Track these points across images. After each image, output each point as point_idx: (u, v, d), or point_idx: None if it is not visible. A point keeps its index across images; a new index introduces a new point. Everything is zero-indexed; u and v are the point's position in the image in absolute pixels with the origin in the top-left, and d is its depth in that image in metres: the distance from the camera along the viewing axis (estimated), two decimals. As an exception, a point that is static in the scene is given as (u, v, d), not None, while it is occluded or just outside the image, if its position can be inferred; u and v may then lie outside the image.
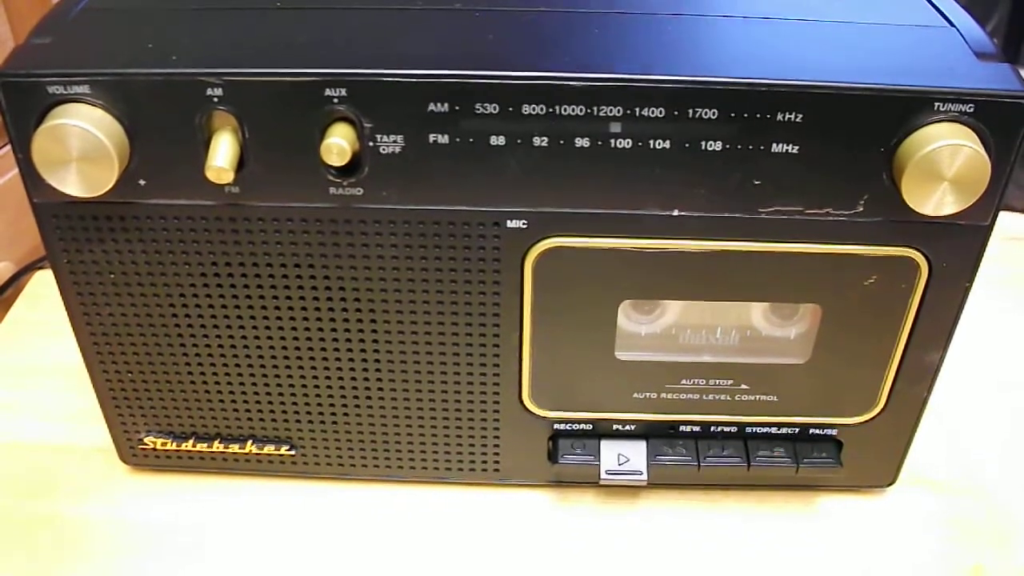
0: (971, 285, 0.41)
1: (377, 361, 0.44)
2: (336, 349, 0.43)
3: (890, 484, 0.49)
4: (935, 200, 0.36)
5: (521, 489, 0.50)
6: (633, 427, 0.47)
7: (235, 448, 0.48)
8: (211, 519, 0.48)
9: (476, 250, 0.40)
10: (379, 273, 0.41)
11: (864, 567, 0.47)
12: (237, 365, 0.44)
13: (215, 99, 0.36)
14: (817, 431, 0.47)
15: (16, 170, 0.38)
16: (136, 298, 0.42)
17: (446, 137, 0.37)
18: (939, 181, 0.36)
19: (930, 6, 0.42)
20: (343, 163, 0.36)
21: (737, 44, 0.39)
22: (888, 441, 0.47)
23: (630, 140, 0.37)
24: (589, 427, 0.47)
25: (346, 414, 0.46)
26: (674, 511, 0.49)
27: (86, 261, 0.41)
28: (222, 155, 0.36)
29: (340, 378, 0.45)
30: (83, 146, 0.35)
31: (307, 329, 0.43)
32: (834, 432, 0.47)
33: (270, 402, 0.46)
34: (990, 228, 0.39)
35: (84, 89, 0.35)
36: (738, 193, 0.38)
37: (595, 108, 0.36)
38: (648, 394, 0.45)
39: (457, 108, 0.36)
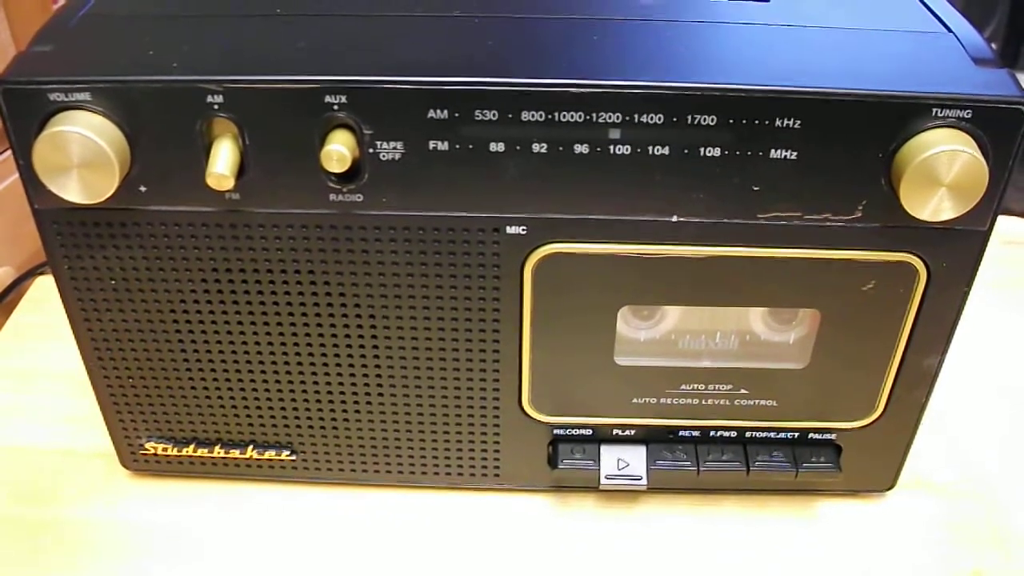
0: (970, 289, 0.41)
1: (377, 367, 0.44)
2: (336, 355, 0.44)
3: (889, 488, 0.49)
4: (933, 205, 0.36)
5: (521, 494, 0.50)
6: (633, 432, 0.47)
7: (236, 453, 0.48)
8: (212, 524, 0.48)
9: (476, 256, 0.40)
10: (379, 279, 0.41)
11: (863, 571, 0.47)
12: (238, 371, 0.44)
13: (216, 106, 0.36)
14: (816, 436, 0.47)
15: (17, 175, 0.38)
16: (137, 304, 0.42)
17: (446, 144, 0.37)
18: (937, 186, 0.36)
19: (928, 11, 0.42)
20: (343, 170, 0.36)
21: (736, 50, 0.39)
22: (887, 445, 0.47)
23: (629, 146, 0.37)
24: (589, 432, 0.47)
25: (346, 419, 0.46)
26: (674, 516, 0.49)
27: (87, 267, 0.41)
28: (222, 162, 0.36)
29: (340, 383, 0.45)
30: (84, 153, 0.35)
31: (307, 335, 0.43)
32: (833, 437, 0.47)
33: (271, 407, 0.46)
34: (988, 233, 0.39)
35: (85, 96, 0.36)
36: (737, 199, 0.38)
37: (594, 115, 0.36)
38: (647, 399, 0.46)
39: (457, 115, 0.36)
